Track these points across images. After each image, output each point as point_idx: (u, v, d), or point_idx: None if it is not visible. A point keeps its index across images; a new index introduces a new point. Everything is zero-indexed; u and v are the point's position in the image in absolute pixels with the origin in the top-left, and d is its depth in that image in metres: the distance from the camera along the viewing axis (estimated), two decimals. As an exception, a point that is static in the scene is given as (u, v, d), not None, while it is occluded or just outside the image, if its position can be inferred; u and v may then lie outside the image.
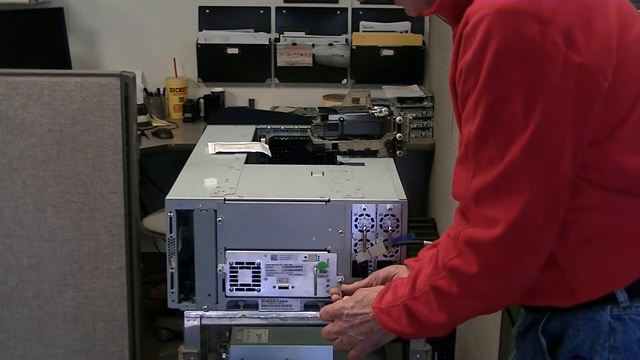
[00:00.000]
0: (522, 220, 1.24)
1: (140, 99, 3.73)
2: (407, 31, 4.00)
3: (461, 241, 1.31)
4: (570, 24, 1.19)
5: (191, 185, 1.86)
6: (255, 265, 1.80)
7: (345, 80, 4.03)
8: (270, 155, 2.21)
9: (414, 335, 1.51)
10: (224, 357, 2.10)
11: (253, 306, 1.84)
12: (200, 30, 4.01)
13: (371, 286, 1.67)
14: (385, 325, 1.47)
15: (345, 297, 1.61)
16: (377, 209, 1.77)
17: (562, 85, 1.20)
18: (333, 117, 2.19)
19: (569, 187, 1.25)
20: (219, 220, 1.77)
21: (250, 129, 2.36)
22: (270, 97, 4.06)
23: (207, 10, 4.03)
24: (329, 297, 1.81)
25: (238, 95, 4.08)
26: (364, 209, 1.77)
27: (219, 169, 1.97)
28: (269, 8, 4.02)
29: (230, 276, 1.80)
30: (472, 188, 1.28)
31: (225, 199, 1.77)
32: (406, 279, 1.45)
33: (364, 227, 1.78)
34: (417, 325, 1.42)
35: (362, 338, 1.54)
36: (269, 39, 3.99)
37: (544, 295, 1.35)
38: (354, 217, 1.77)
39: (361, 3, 4.00)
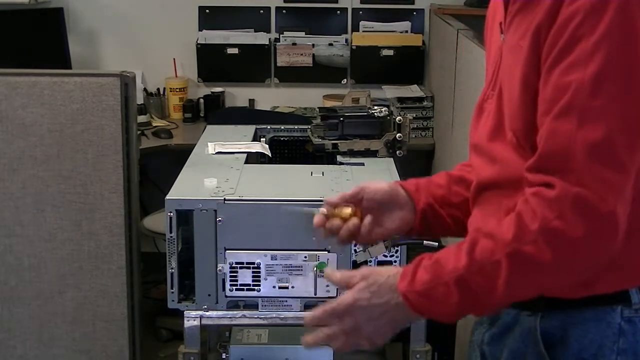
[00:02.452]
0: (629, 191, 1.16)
1: (140, 99, 3.73)
2: (407, 31, 4.00)
3: (567, 201, 1.16)
4: None
5: (191, 185, 1.86)
6: (255, 265, 1.80)
7: (345, 80, 4.03)
8: (270, 155, 2.21)
9: (453, 319, 1.30)
10: (223, 357, 2.10)
11: (253, 306, 1.84)
12: (200, 30, 4.01)
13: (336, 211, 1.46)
14: (421, 309, 1.26)
15: (352, 287, 1.32)
16: (377, 208, 1.77)
17: None
18: (333, 117, 2.19)
19: None
20: (219, 220, 1.77)
21: (250, 129, 2.36)
22: (270, 97, 4.06)
23: (207, 10, 4.03)
24: (329, 297, 1.81)
25: (238, 95, 4.08)
26: (364, 209, 1.77)
27: (219, 169, 1.98)
28: (268, 8, 4.02)
29: (230, 276, 1.80)
30: (582, 142, 1.15)
31: (225, 199, 1.77)
32: (449, 254, 1.26)
33: (364, 227, 1.77)
34: (469, 304, 1.25)
35: (376, 332, 1.31)
36: (269, 39, 3.99)
37: None
38: (353, 217, 1.77)
39: (361, 2, 4.00)
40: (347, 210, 1.45)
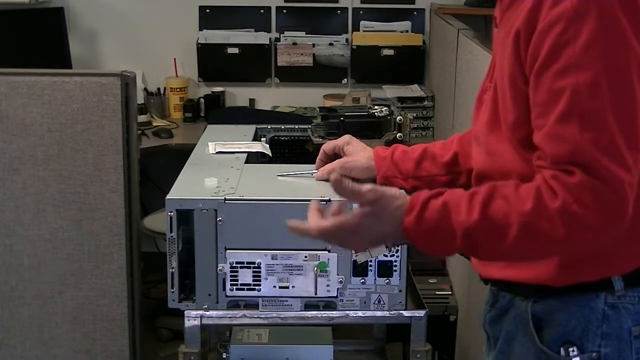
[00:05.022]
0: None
1: (140, 98, 3.72)
2: (407, 31, 4.00)
3: (587, 189, 1.21)
4: None
5: (191, 185, 1.85)
6: (256, 265, 1.79)
7: (345, 80, 4.03)
8: (270, 155, 2.21)
9: (445, 257, 1.40)
10: (224, 356, 2.10)
11: (253, 306, 1.84)
12: (200, 29, 4.01)
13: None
14: (418, 244, 1.32)
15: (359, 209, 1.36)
16: (377, 208, 1.77)
17: None
18: (333, 117, 2.19)
19: None
20: (219, 220, 1.76)
21: (251, 129, 2.35)
22: (270, 96, 4.06)
23: (208, 10, 4.02)
24: (330, 298, 1.81)
25: (238, 95, 4.08)
26: (365, 209, 1.76)
27: (220, 168, 1.97)
28: (269, 8, 4.02)
29: (231, 276, 1.80)
30: (588, 143, 1.20)
31: (225, 199, 1.77)
32: (460, 201, 1.29)
33: (365, 227, 1.77)
34: (469, 251, 1.32)
35: (368, 245, 1.42)
36: (270, 38, 3.99)
37: (536, 269, 1.34)
38: (354, 217, 1.77)
39: (361, 2, 4.00)
40: None
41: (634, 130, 1.20)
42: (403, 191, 1.38)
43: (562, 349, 1.33)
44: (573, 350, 1.32)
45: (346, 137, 1.85)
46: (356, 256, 1.79)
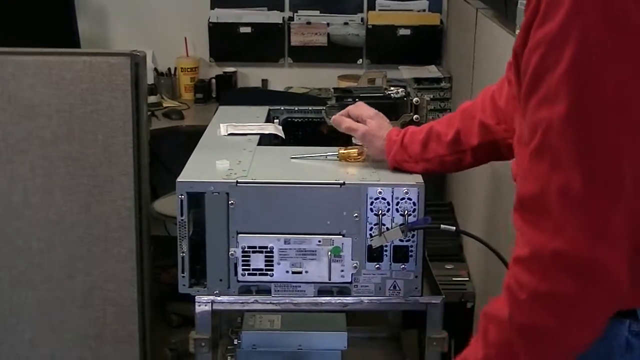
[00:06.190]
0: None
1: (150, 79, 3.69)
2: (424, 10, 3.95)
3: (546, 258, 1.11)
4: None
5: (203, 168, 1.83)
6: (268, 250, 1.77)
7: (360, 60, 3.98)
8: (283, 136, 2.18)
9: None
10: (235, 342, 2.08)
11: (266, 291, 1.81)
12: (212, 8, 3.97)
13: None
14: None
15: None
16: (393, 192, 1.74)
17: None
18: (348, 98, 2.15)
19: None
20: (231, 203, 1.74)
21: (263, 110, 2.33)
22: (283, 77, 4.02)
23: (220, -11, 3.98)
24: (344, 283, 1.78)
25: (251, 75, 4.04)
26: (380, 193, 1.74)
27: (231, 150, 1.95)
28: (282, -14, 3.97)
29: (243, 260, 1.77)
30: (556, 186, 1.09)
31: (237, 182, 1.74)
32: (470, 347, 1.26)
33: (380, 211, 1.74)
34: None
35: None
36: (283, 17, 3.94)
37: None
38: (369, 201, 1.74)
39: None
40: (355, 152, 1.87)
41: (610, 172, 1.08)
42: None
43: None
44: None
45: (372, 112, 1.85)
46: (371, 241, 1.75)
